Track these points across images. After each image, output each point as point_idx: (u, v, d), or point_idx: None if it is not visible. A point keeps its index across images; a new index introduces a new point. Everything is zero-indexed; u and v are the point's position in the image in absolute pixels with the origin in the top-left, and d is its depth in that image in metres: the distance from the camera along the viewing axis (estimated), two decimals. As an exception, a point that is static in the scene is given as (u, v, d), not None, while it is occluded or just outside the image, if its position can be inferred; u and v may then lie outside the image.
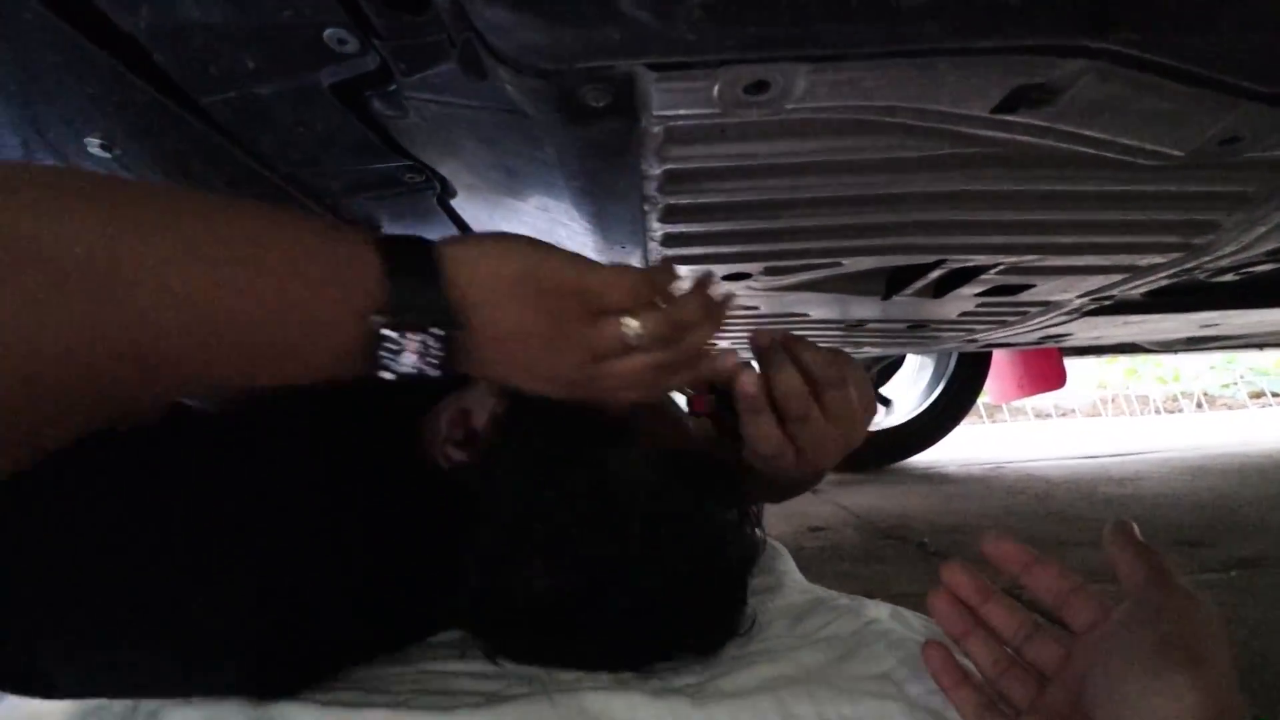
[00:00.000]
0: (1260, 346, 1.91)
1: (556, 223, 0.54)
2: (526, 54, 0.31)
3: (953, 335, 1.19)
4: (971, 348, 1.41)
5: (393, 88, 0.42)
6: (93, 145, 0.52)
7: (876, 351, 1.54)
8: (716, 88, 0.34)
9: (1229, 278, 1.00)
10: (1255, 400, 4.52)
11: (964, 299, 0.87)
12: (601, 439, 0.43)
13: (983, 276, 0.75)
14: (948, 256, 0.67)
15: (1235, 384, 4.58)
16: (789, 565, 0.71)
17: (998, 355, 2.10)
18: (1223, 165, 0.46)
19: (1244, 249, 0.65)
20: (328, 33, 0.38)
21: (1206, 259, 0.68)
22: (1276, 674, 0.55)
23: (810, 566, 0.75)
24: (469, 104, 0.40)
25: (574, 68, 0.32)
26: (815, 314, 0.98)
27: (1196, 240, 0.61)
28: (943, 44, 0.31)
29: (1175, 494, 1.28)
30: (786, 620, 0.54)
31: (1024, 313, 0.97)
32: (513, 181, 0.50)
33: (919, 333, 1.17)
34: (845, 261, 0.68)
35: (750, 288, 0.77)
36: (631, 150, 0.39)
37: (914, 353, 2.09)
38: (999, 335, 1.20)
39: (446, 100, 0.40)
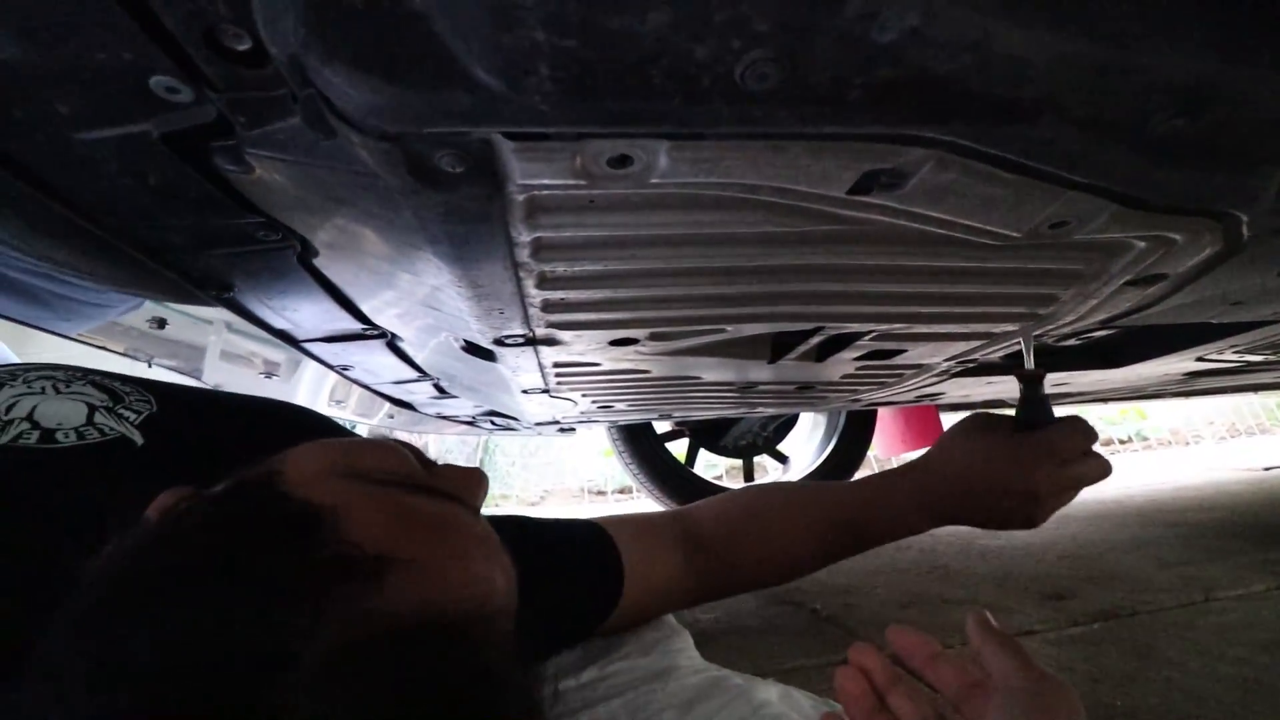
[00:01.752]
0: (1104, 400, 2.12)
1: (427, 286, 0.51)
2: (370, 116, 0.29)
3: (838, 396, 1.24)
4: (857, 407, 1.47)
5: (234, 141, 0.38)
6: None
7: (771, 411, 1.57)
8: (579, 160, 0.33)
9: (1072, 342, 1.11)
10: (1105, 447, 5.02)
11: (844, 363, 0.91)
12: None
13: (859, 342, 0.78)
14: (825, 324, 0.69)
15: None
16: (685, 643, 0.69)
17: (882, 413, 2.22)
18: (1056, 246, 0.51)
19: (1080, 319, 0.71)
20: (154, 80, 0.34)
21: (1050, 327, 0.74)
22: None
23: (705, 640, 0.72)
24: (318, 164, 0.37)
25: (423, 132, 0.30)
26: (708, 377, 0.99)
27: (1040, 311, 0.67)
28: (793, 129, 0.31)
29: (1042, 544, 1.37)
30: (676, 709, 0.51)
31: (899, 375, 1.02)
32: (377, 244, 0.47)
33: (807, 394, 1.21)
34: (728, 328, 0.68)
35: (639, 353, 0.76)
36: (496, 217, 0.38)
37: (805, 411, 2.16)
38: (880, 395, 1.26)
39: (293, 159, 0.37)
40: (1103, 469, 0.68)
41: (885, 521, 0.76)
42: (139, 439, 0.48)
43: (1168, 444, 5.23)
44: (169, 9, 0.29)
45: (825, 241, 0.47)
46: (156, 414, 0.51)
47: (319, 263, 0.55)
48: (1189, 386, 1.79)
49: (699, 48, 0.26)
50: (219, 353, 2.05)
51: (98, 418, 0.48)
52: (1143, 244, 0.50)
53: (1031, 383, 0.71)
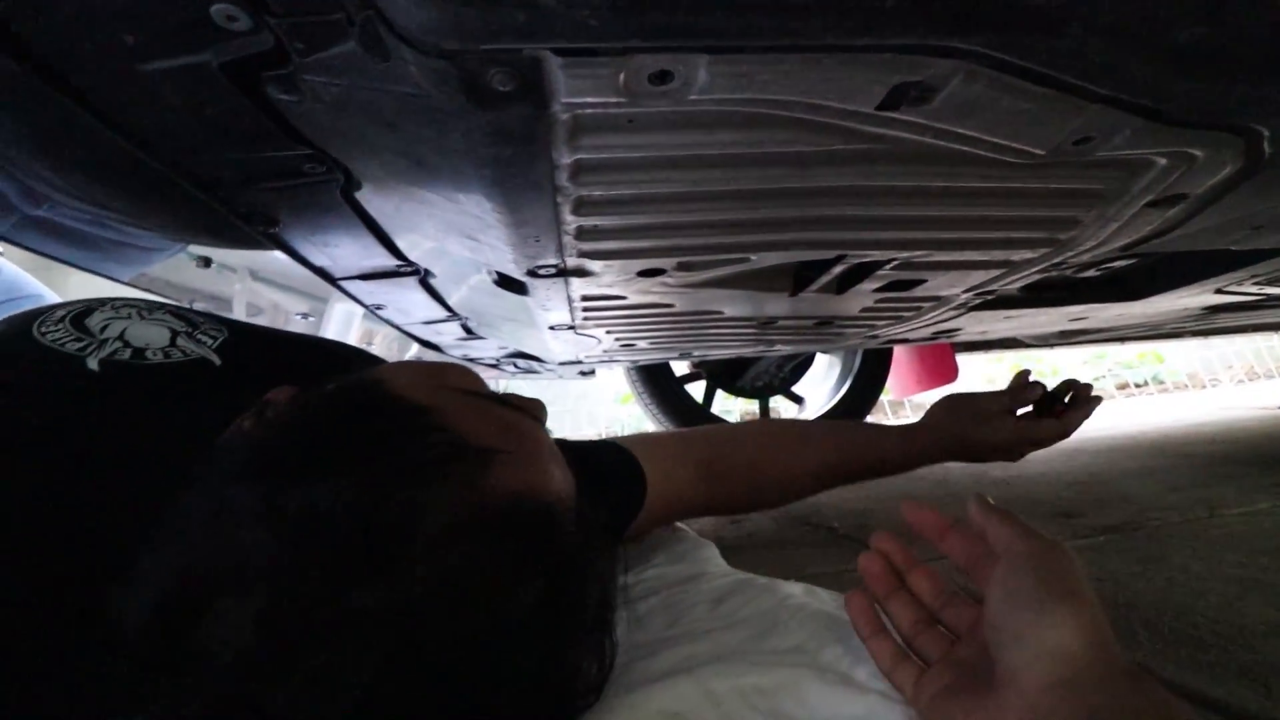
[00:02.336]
0: (1121, 340, 2.12)
1: (467, 215, 0.53)
2: (429, 33, 0.31)
3: (856, 331, 1.26)
4: (874, 344, 1.49)
5: (289, 69, 0.40)
6: (-60, 125, 0.47)
7: (788, 349, 1.60)
8: (622, 76, 0.35)
9: (1092, 273, 1.11)
10: (1121, 391, 5.02)
11: (864, 295, 0.93)
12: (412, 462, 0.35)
13: (879, 272, 0.80)
14: (847, 252, 0.71)
15: (1104, 376, 5.07)
16: (712, 553, 0.73)
17: (897, 353, 2.24)
18: (1079, 164, 0.52)
19: (1101, 244, 0.72)
20: (215, 8, 0.36)
21: (1070, 254, 0.75)
22: (1143, 615, 0.61)
23: (730, 554, 0.77)
24: (371, 87, 0.39)
25: (479, 49, 0.32)
26: (729, 311, 1.01)
27: (1060, 235, 0.68)
28: (827, 40, 0.33)
29: (1054, 473, 1.41)
30: (708, 603, 0.56)
31: (918, 308, 1.04)
32: (420, 172, 0.49)
33: (826, 329, 1.23)
34: (753, 257, 0.70)
35: (665, 284, 0.79)
36: (540, 139, 0.40)
37: (822, 350, 2.18)
38: (897, 331, 1.28)
39: (347, 83, 0.39)
40: (1060, 431, 0.86)
41: (889, 452, 0.87)
42: (217, 360, 0.52)
43: (1185, 388, 5.21)
44: (237, -65, 0.30)
45: (853, 161, 0.48)
46: (229, 340, 0.55)
47: (361, 196, 0.57)
48: (1208, 324, 1.78)
49: (743, -41, 0.27)
50: (245, 302, 2.10)
51: (179, 340, 0.52)
52: (1164, 161, 0.51)
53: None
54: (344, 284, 0.83)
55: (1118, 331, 1.77)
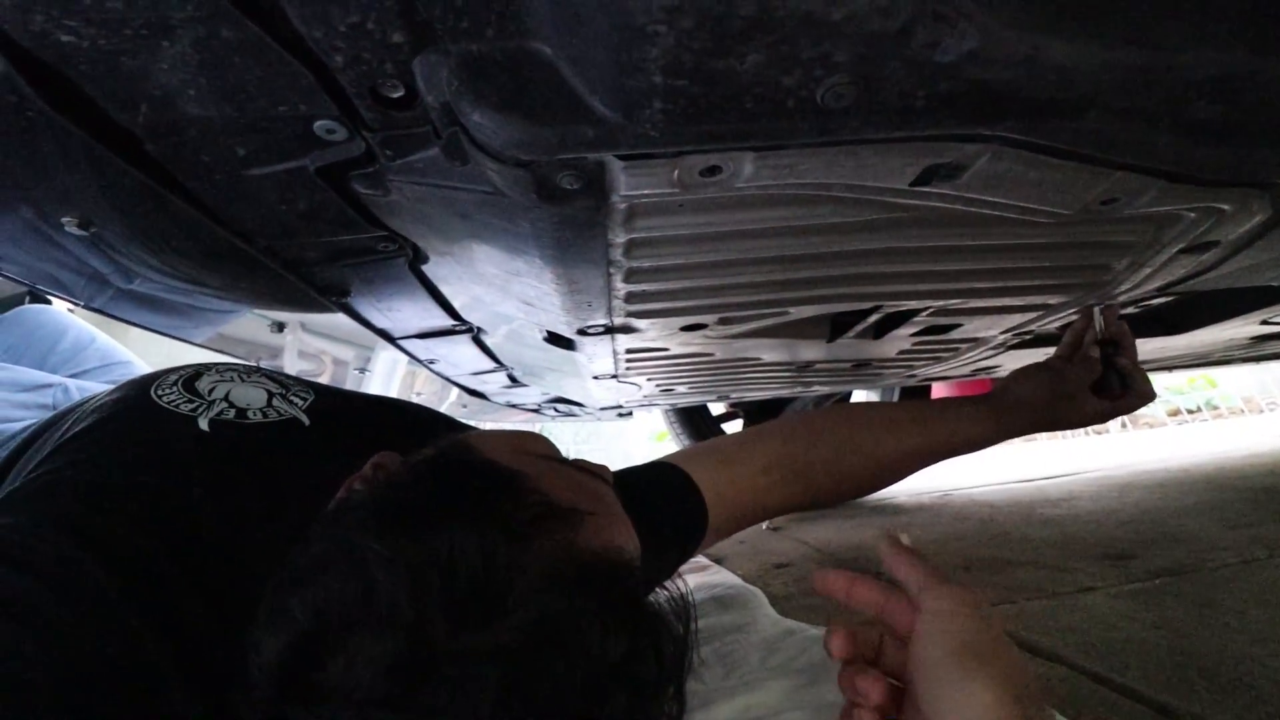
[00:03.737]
0: (1169, 369, 2.07)
1: (526, 284, 0.58)
2: (510, 147, 0.36)
3: (894, 372, 1.27)
4: (912, 383, 1.50)
5: (375, 168, 0.45)
6: (70, 225, 0.53)
7: (825, 390, 1.61)
8: (676, 172, 0.38)
9: (1131, 310, 1.11)
10: (1173, 418, 4.84)
11: (901, 339, 0.95)
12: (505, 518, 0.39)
13: (916, 319, 0.82)
14: (883, 303, 0.74)
15: (1153, 404, 4.89)
16: (761, 602, 0.74)
17: (936, 389, 2.22)
18: (1108, 220, 0.54)
19: (1137, 287, 0.73)
20: (318, 124, 0.41)
21: (1107, 297, 0.76)
22: (1200, 669, 0.60)
23: (779, 601, 0.78)
24: (450, 185, 0.43)
25: (552, 159, 0.36)
26: (767, 358, 1.03)
27: (1096, 281, 0.70)
28: (864, 135, 0.36)
29: (1106, 510, 1.37)
30: (760, 653, 0.57)
31: (955, 349, 1.05)
32: (486, 249, 0.53)
33: (863, 371, 1.25)
34: (792, 310, 0.73)
35: (706, 336, 0.82)
36: (599, 223, 0.44)
37: (860, 389, 2.18)
38: (936, 370, 1.29)
39: (428, 182, 0.44)
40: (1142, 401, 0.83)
41: (972, 430, 0.82)
42: (306, 420, 0.57)
43: (1240, 413, 5.00)
44: (345, 71, 0.35)
45: (888, 227, 0.51)
46: (316, 402, 0.60)
47: (427, 268, 0.62)
48: (1258, 351, 1.74)
49: (786, 78, 0.31)
50: (296, 350, 2.20)
51: (275, 401, 0.57)
52: (1192, 214, 0.53)
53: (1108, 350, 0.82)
54: (402, 342, 0.88)
55: (1165, 362, 1.74)
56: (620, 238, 0.47)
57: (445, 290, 0.69)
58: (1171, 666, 0.61)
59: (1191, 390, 5.16)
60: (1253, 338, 1.39)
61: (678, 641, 0.41)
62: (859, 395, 2.29)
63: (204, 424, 0.52)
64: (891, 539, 0.41)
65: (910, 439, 0.80)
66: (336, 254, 0.58)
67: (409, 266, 0.62)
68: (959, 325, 0.88)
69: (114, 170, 0.45)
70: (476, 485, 0.41)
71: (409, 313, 0.76)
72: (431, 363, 1.02)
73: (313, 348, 2.37)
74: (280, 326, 1.01)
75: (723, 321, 0.75)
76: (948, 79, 0.33)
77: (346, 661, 0.33)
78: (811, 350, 1.00)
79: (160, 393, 0.55)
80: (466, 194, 0.44)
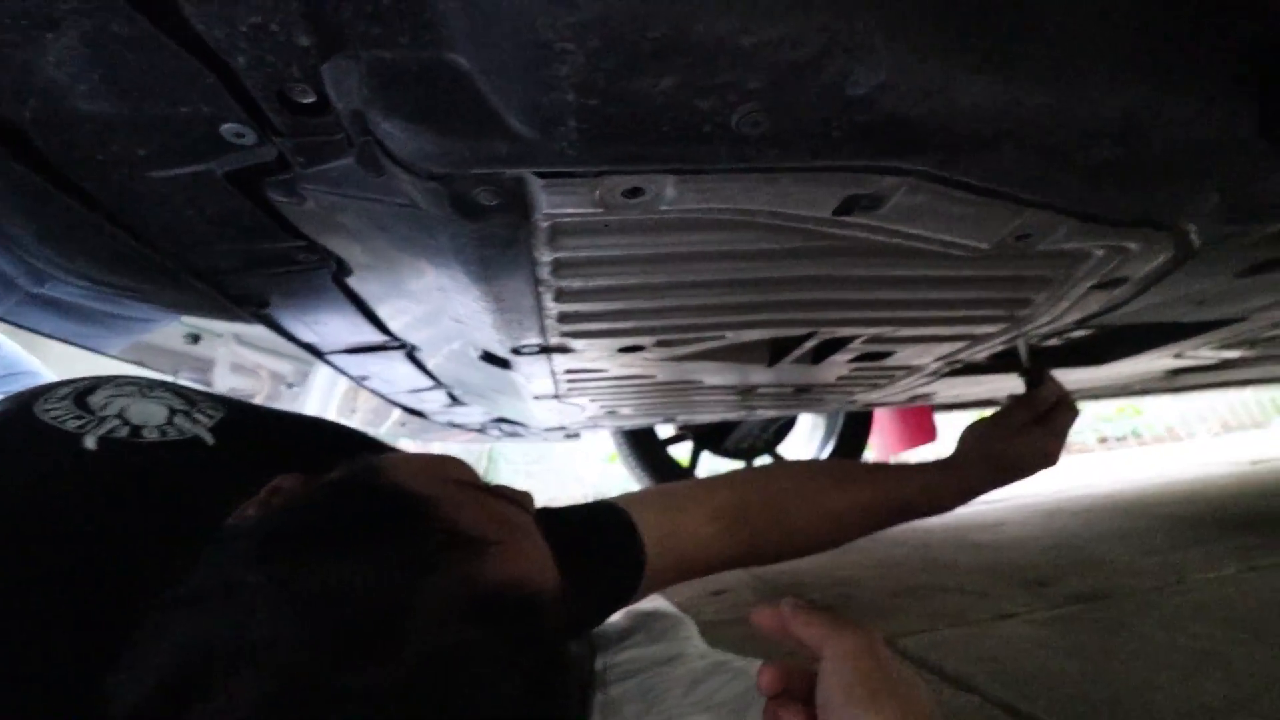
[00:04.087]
0: (1095, 398, 2.18)
1: (455, 301, 0.56)
2: (422, 159, 0.34)
3: (834, 397, 1.29)
4: (853, 408, 1.52)
5: (289, 176, 0.43)
6: (-47, 223, 0.49)
7: (771, 413, 1.62)
8: (598, 192, 0.38)
9: (1054, 342, 1.16)
10: (1102, 444, 5.08)
11: (839, 365, 0.96)
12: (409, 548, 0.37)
13: (851, 345, 0.83)
14: (818, 329, 0.75)
15: (1084, 430, 5.13)
16: (690, 632, 0.73)
17: (878, 414, 2.27)
18: (1024, 255, 0.56)
19: (1056, 320, 0.76)
20: (225, 127, 0.39)
21: (1028, 328, 0.79)
22: (1107, 691, 0.62)
23: (709, 631, 0.77)
24: (365, 196, 0.42)
25: (468, 174, 0.35)
26: (709, 380, 1.03)
27: (1017, 314, 0.72)
28: (783, 164, 0.36)
29: (1032, 537, 1.42)
30: (683, 687, 0.56)
31: (891, 376, 1.07)
32: (410, 263, 0.52)
33: (805, 395, 1.26)
34: (728, 334, 0.73)
35: (645, 358, 0.81)
36: (522, 241, 0.43)
37: (803, 413, 2.21)
38: (874, 396, 1.31)
39: (344, 191, 0.42)
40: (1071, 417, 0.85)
41: (928, 491, 0.81)
42: (210, 440, 0.53)
43: (1163, 440, 5.28)
44: (250, 73, 0.34)
45: (815, 255, 0.52)
46: (226, 420, 0.56)
47: (352, 281, 0.60)
48: (1176, 384, 1.84)
49: (702, 102, 0.31)
50: (229, 364, 2.10)
51: (176, 419, 0.53)
52: (1101, 252, 0.55)
53: (1033, 380, 0.86)
54: (331, 358, 0.85)
55: (1089, 391, 1.83)
56: (546, 256, 0.46)
57: (374, 305, 0.67)
58: (1079, 696, 0.62)
59: (1119, 418, 5.43)
60: (1168, 370, 1.47)
61: (585, 679, 0.40)
62: (804, 420, 2.33)
63: (90, 442, 0.48)
64: (791, 603, 0.41)
65: (863, 493, 0.79)
66: (252, 263, 0.55)
67: (332, 279, 0.60)
68: (893, 353, 0.90)
69: (4, 165, 0.42)
70: (377, 511, 0.39)
71: (336, 327, 0.73)
72: (364, 379, 0.98)
73: (249, 361, 2.27)
74: (195, 338, 0.95)
75: (661, 344, 0.74)
76: (862, 111, 0.33)
77: (216, 706, 0.30)
78: (753, 374, 1.00)
79: (46, 407, 0.51)
80: (384, 206, 0.42)
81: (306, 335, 0.77)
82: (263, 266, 0.56)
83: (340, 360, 0.85)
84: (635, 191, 0.38)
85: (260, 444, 0.57)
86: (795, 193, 0.40)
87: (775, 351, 0.90)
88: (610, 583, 0.72)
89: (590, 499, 0.80)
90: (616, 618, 0.77)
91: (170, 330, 1.33)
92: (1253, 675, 0.62)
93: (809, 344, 0.82)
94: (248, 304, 0.64)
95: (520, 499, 0.50)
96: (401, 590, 0.35)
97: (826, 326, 0.73)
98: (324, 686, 0.32)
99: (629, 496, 0.79)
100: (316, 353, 0.83)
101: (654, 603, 0.81)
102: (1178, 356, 1.28)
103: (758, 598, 1.06)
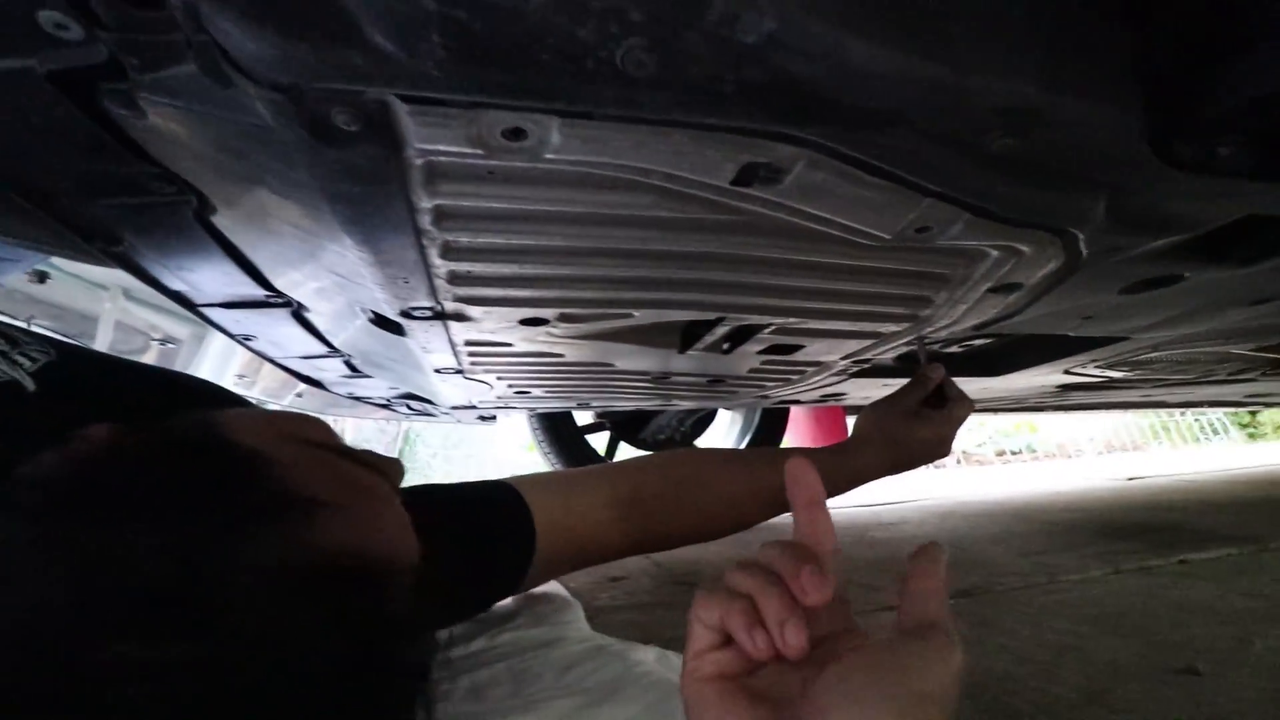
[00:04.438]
0: (995, 411, 2.30)
1: (329, 250, 0.51)
2: (264, 66, 0.30)
3: (747, 390, 1.30)
4: (767, 403, 1.54)
5: (126, 85, 0.38)
6: None
7: (687, 404, 1.62)
8: (474, 129, 0.35)
9: (955, 349, 1.20)
10: (999, 457, 5.41)
11: (750, 357, 0.96)
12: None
13: (760, 335, 0.83)
14: (725, 314, 0.73)
15: (984, 444, 5.46)
16: (576, 616, 0.71)
17: (794, 413, 2.32)
18: (924, 250, 0.56)
19: (955, 322, 0.78)
20: (44, 14, 0.33)
21: (929, 329, 0.81)
22: (971, 683, 0.64)
23: (600, 616, 0.75)
24: (215, 113, 0.37)
25: (315, 87, 0.31)
26: (621, 365, 1.01)
27: (919, 313, 0.73)
28: (673, 116, 0.34)
29: (926, 535, 1.48)
30: (555, 671, 0.53)
31: (802, 371, 1.08)
32: (275, 201, 0.47)
33: (719, 387, 1.26)
34: (635, 313, 0.71)
35: (550, 334, 0.78)
36: (395, 180, 0.39)
37: (721, 407, 2.23)
38: (787, 392, 1.33)
39: (188, 106, 0.37)
40: (967, 408, 0.86)
41: (828, 474, 0.80)
42: (30, 385, 0.47)
43: (1054, 456, 5.68)
44: (59, -59, 0.29)
45: (717, 230, 0.50)
46: (54, 363, 0.50)
47: (218, 221, 0.54)
48: (1067, 400, 1.96)
49: (581, 30, 0.28)
50: (114, 321, 1.92)
51: None
52: (996, 253, 0.56)
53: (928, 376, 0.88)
54: (205, 311, 0.77)
55: (990, 403, 1.92)
56: (426, 203, 0.42)
57: (248, 252, 0.61)
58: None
59: (1016, 434, 5.80)
60: (1059, 386, 1.56)
61: (422, 658, 0.36)
62: (724, 416, 2.35)
63: None
64: (936, 549, 0.34)
65: (761, 478, 0.78)
66: (93, 187, 0.49)
67: (195, 217, 0.54)
68: (802, 347, 0.90)
69: None
70: (195, 467, 0.35)
71: (207, 275, 0.67)
72: (247, 340, 0.91)
73: (139, 320, 2.09)
74: (42, 276, 0.85)
75: (564, 319, 0.71)
76: (753, 65, 0.31)
77: None
78: (665, 361, 0.99)
79: None
80: (237, 127, 0.38)
81: (174, 283, 0.70)
82: (107, 194, 0.50)
83: (216, 315, 0.78)
84: (517, 133, 0.35)
85: (92, 393, 0.51)
86: (691, 153, 0.38)
87: (686, 338, 0.89)
88: (496, 564, 0.69)
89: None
90: (505, 600, 0.75)
91: (69, 282, 1.20)
92: (1108, 667, 0.66)
93: (719, 329, 0.81)
94: (95, 239, 0.57)
95: (383, 465, 0.46)
96: (207, 554, 0.31)
97: (734, 312, 0.72)
98: (107, 666, 0.27)
99: (524, 478, 0.76)
100: (188, 304, 0.75)
101: (546, 586, 0.78)
102: (1067, 373, 1.36)
103: (656, 584, 1.05)
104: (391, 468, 0.47)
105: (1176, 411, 5.95)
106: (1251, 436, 6.21)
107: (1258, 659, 0.67)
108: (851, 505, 1.97)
